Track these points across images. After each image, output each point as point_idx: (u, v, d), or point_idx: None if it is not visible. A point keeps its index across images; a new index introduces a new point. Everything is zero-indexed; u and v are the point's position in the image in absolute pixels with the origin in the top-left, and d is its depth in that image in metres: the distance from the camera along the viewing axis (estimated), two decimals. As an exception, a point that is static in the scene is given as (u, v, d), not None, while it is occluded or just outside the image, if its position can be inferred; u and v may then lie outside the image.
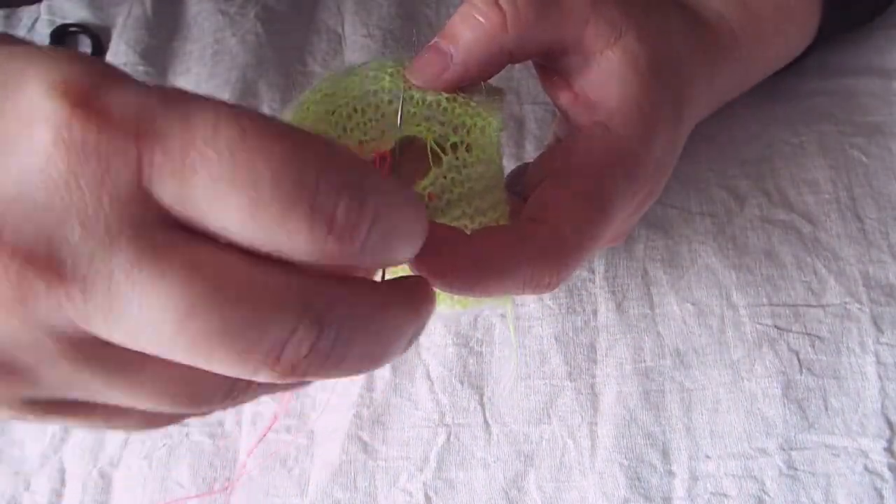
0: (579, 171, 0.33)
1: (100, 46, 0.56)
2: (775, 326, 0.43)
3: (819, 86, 0.49)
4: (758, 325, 0.43)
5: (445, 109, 0.33)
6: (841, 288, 0.43)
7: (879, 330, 0.42)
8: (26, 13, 0.59)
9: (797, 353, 0.42)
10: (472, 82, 0.34)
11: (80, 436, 0.43)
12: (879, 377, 0.41)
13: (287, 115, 0.35)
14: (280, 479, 0.42)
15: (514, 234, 0.31)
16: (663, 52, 0.36)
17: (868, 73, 0.50)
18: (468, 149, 0.33)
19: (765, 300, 0.43)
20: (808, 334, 0.42)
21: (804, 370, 0.41)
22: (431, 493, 0.41)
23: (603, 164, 0.33)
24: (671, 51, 0.37)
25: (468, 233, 0.32)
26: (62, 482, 0.42)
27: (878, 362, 0.41)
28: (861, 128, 0.48)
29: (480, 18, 0.33)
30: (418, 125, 0.32)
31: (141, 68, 0.55)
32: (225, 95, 0.53)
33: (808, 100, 0.49)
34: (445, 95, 0.33)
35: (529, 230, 0.31)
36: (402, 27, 0.55)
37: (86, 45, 0.57)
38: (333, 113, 0.33)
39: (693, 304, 0.44)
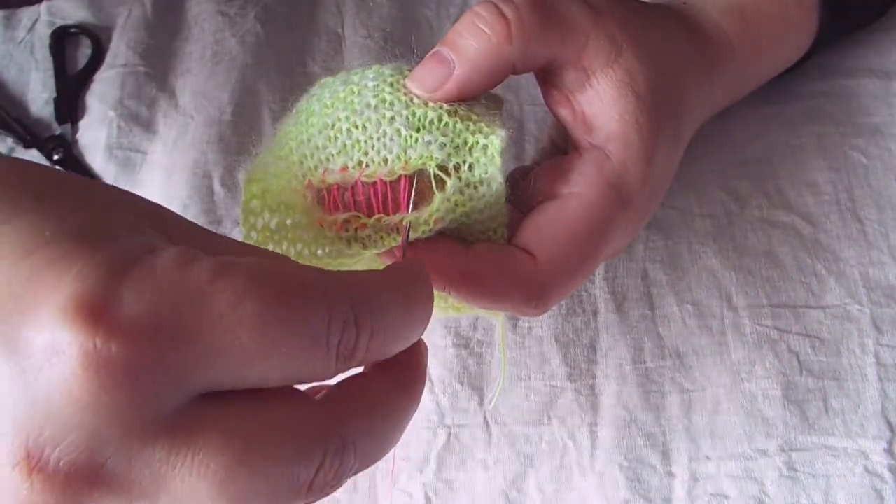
0: (575, 206, 0.33)
1: (100, 47, 0.56)
2: (775, 328, 0.43)
3: (819, 87, 0.50)
4: (758, 327, 0.43)
5: (447, 125, 0.32)
6: (841, 289, 0.43)
7: (879, 331, 0.42)
8: (26, 14, 0.59)
9: (797, 355, 0.42)
10: (474, 93, 0.34)
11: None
12: (879, 378, 0.41)
13: (285, 128, 0.35)
14: (280, 480, 0.41)
15: (508, 262, 0.33)
16: (663, 71, 0.36)
17: (868, 75, 0.50)
18: (470, 168, 0.33)
19: (765, 301, 0.43)
20: (809, 335, 0.42)
21: (804, 371, 0.41)
22: (431, 494, 0.41)
23: (599, 201, 0.33)
24: (670, 67, 0.37)
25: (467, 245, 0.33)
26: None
27: (879, 363, 0.41)
28: (861, 129, 0.48)
29: (485, 29, 0.32)
30: (420, 157, 0.32)
31: (141, 69, 0.55)
32: (225, 96, 0.53)
33: (808, 101, 0.49)
34: (446, 108, 0.33)
35: (523, 264, 0.33)
36: (403, 28, 0.55)
37: (86, 46, 0.57)
38: (333, 126, 0.32)
39: (693, 305, 0.44)
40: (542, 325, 0.44)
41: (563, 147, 0.40)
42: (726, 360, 0.42)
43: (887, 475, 0.39)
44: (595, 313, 0.44)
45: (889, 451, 0.39)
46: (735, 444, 0.40)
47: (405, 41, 0.54)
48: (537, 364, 0.43)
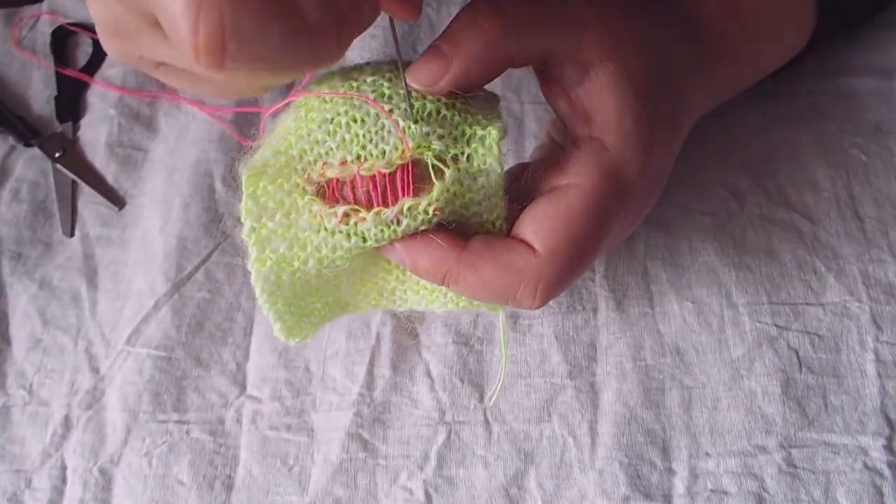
0: (573, 197, 0.33)
1: (100, 46, 0.57)
2: (775, 325, 0.43)
3: (819, 85, 0.50)
4: (757, 324, 0.43)
5: (445, 118, 0.33)
6: (840, 286, 0.43)
7: (879, 328, 0.42)
8: (28, 12, 0.59)
9: (797, 352, 0.42)
10: (472, 86, 0.34)
11: (80, 434, 0.43)
12: (879, 375, 0.41)
13: (284, 123, 0.35)
14: (281, 477, 0.42)
15: (506, 253, 0.33)
16: (660, 63, 0.36)
17: (868, 73, 0.50)
18: (469, 159, 0.33)
19: (764, 298, 0.43)
20: (808, 332, 0.42)
21: (804, 368, 0.42)
22: (432, 491, 0.41)
23: (597, 190, 0.33)
24: (668, 62, 0.37)
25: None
26: (63, 480, 0.43)
27: (878, 360, 0.41)
28: (861, 127, 0.48)
29: (482, 22, 0.33)
30: (418, 147, 0.32)
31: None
32: (226, 94, 0.53)
33: (808, 99, 0.49)
34: (444, 101, 0.33)
35: (521, 255, 0.33)
36: (403, 26, 0.55)
37: (87, 45, 0.57)
38: (332, 121, 0.32)
39: (693, 302, 0.44)
40: (542, 323, 0.44)
41: (562, 144, 0.40)
42: (726, 356, 0.42)
43: (886, 472, 0.39)
44: (595, 311, 0.44)
45: (888, 448, 0.39)
46: (735, 441, 0.40)
47: (406, 39, 0.54)
48: (537, 361, 0.43)
